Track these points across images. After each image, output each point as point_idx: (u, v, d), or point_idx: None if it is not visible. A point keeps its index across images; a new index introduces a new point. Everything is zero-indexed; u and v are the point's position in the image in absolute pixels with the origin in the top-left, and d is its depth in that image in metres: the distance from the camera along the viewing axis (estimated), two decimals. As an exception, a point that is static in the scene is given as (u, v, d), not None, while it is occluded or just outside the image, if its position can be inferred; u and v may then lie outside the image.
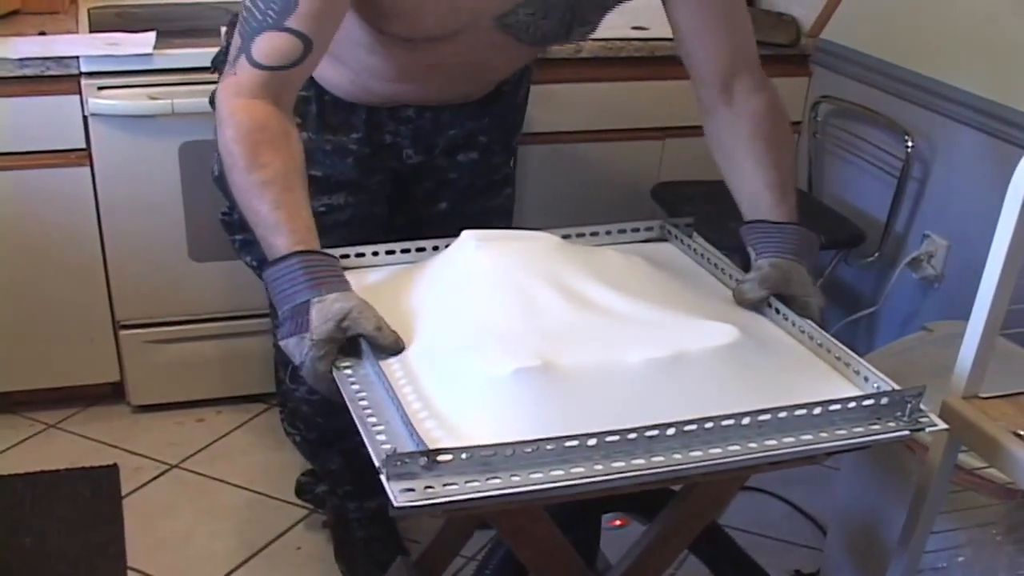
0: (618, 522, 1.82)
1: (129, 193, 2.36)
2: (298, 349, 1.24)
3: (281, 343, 1.27)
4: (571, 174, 2.63)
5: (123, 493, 2.33)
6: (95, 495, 2.31)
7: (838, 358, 1.30)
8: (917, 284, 2.34)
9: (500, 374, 1.14)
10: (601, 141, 2.62)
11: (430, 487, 1.04)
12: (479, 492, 1.04)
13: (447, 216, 1.88)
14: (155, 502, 2.32)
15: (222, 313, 2.55)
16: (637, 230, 1.66)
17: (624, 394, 1.16)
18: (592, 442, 1.09)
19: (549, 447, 1.07)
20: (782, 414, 1.15)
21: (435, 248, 1.52)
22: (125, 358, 2.55)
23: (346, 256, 1.50)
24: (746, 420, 1.13)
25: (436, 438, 1.11)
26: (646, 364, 1.18)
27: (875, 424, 1.18)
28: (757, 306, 1.39)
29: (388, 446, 1.08)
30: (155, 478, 2.40)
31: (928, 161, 2.30)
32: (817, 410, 1.16)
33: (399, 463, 1.04)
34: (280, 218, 1.30)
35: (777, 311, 1.39)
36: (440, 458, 1.05)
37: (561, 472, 1.08)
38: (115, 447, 2.49)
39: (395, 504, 1.02)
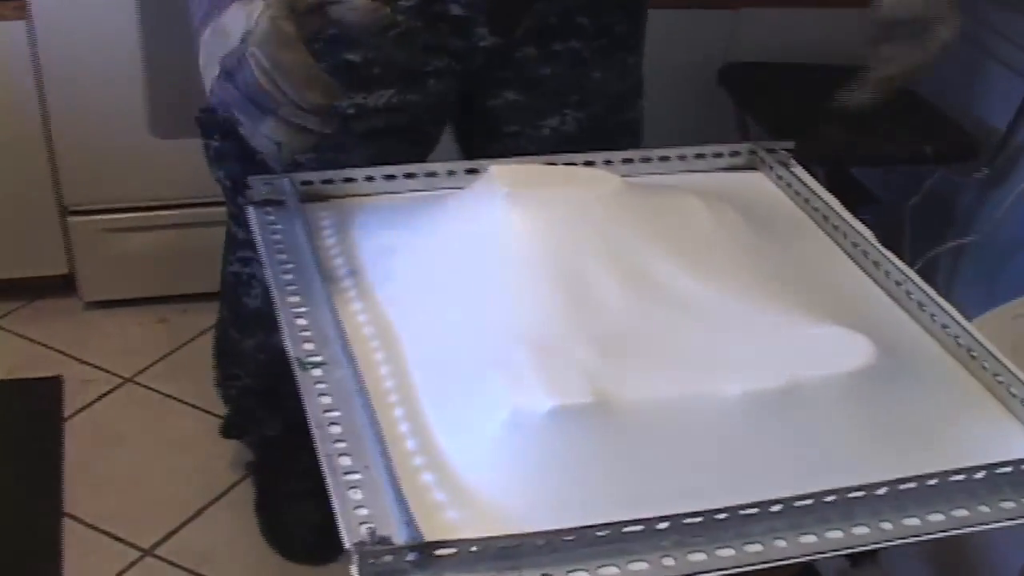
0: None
1: (76, 53, 2.09)
2: (238, 18, 0.98)
3: (207, 30, 1.00)
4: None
5: (65, 415, 2.10)
6: (31, 417, 2.09)
7: (998, 379, 0.99)
8: (1035, 212, 2.05)
9: (533, 410, 0.84)
10: (659, 8, 2.27)
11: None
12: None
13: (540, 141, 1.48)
14: (102, 428, 2.09)
15: (189, 198, 2.30)
16: (720, 155, 1.34)
17: (712, 447, 0.87)
18: (663, 525, 0.79)
19: (600, 534, 0.78)
20: (932, 481, 0.85)
21: (450, 173, 1.22)
22: (76, 248, 2.31)
23: (328, 181, 1.19)
24: (882, 491, 0.84)
25: (434, 504, 0.82)
26: (747, 400, 0.88)
27: (1056, 493, 0.89)
28: None
29: (367, 526, 0.79)
30: (104, 395, 2.16)
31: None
32: (980, 474, 0.86)
33: (376, 559, 0.75)
34: None
35: (910, 295, 1.09)
36: (439, 552, 0.76)
37: (616, 571, 0.79)
38: (61, 352, 2.26)
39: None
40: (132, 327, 2.35)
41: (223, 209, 1.99)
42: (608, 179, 1.12)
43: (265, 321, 1.60)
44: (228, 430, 1.94)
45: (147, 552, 1.84)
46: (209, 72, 1.05)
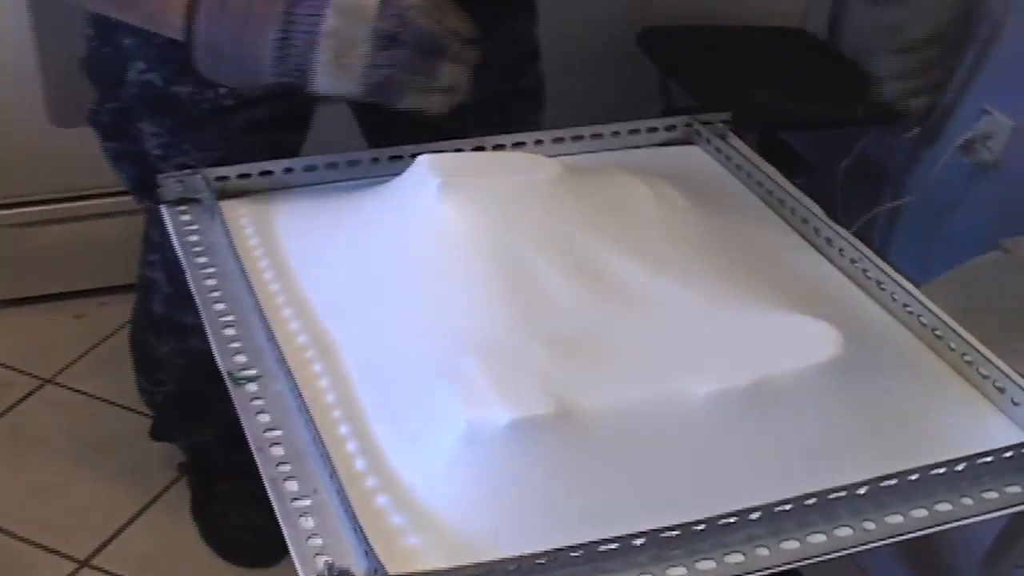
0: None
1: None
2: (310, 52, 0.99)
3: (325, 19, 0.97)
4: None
5: (-18, 422, 1.99)
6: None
7: (966, 359, 0.95)
8: (969, 171, 2.02)
9: (490, 424, 0.78)
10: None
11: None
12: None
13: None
14: (23, 433, 1.99)
15: (98, 188, 2.20)
16: (655, 130, 1.29)
17: (682, 453, 0.81)
18: (639, 542, 0.74)
19: (575, 555, 0.73)
20: (913, 477, 0.81)
21: (374, 161, 1.15)
22: (-22, 246, 2.20)
23: (245, 176, 1.12)
24: (863, 490, 0.79)
25: (392, 529, 0.76)
26: (715, 401, 0.82)
27: (1037, 479, 0.85)
28: None
29: (323, 558, 0.73)
30: (23, 398, 2.06)
31: (998, 19, 1.95)
32: (961, 466, 0.82)
33: (339, 598, 0.69)
34: None
35: (867, 274, 1.05)
36: (406, 585, 0.70)
37: (592, 593, 0.73)
38: (-29, 356, 2.14)
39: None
40: (47, 325, 2.25)
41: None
42: (546, 164, 1.07)
43: (173, 327, 1.53)
44: (157, 433, 1.86)
45: (84, 563, 1.75)
46: (353, 53, 1.00)
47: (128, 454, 1.95)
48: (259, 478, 1.74)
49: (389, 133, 1.36)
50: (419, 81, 1.02)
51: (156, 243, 1.47)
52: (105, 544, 1.78)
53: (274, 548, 1.67)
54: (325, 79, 1.02)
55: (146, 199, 1.39)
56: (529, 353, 0.85)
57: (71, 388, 2.09)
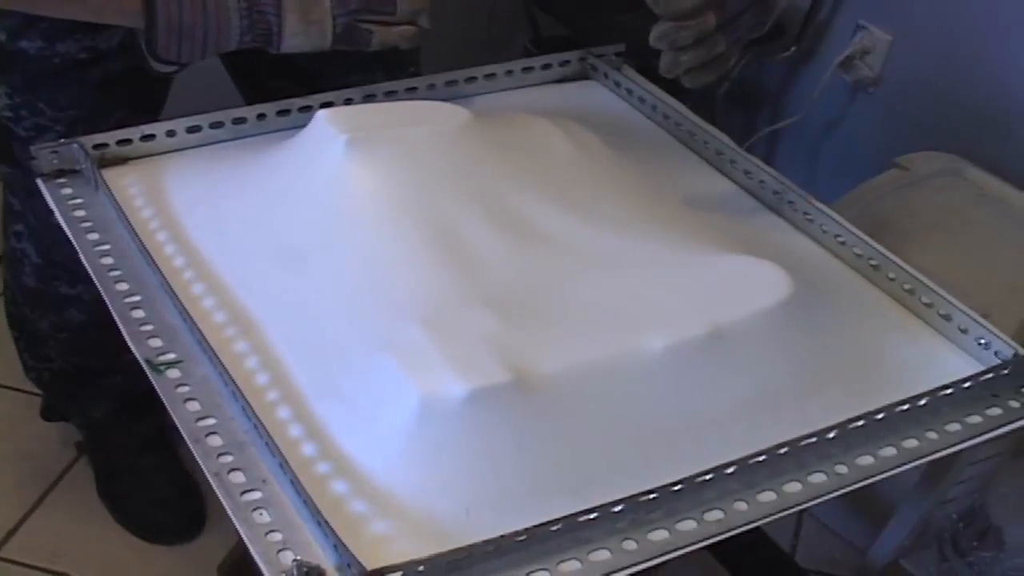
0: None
1: None
2: None
3: None
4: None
5: None
6: None
7: (906, 288, 0.94)
8: (848, 88, 2.01)
9: (445, 397, 0.74)
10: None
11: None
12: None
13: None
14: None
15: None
16: (548, 66, 1.26)
17: (644, 411, 0.78)
18: (618, 508, 0.71)
19: (554, 528, 0.69)
20: (879, 416, 0.79)
21: (260, 117, 1.09)
22: None
23: (126, 141, 1.05)
24: (833, 434, 0.77)
25: (354, 517, 0.72)
26: (671, 354, 0.80)
27: (994, 408, 0.85)
28: None
29: (289, 555, 0.67)
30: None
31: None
32: (923, 401, 0.81)
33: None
34: None
35: (793, 206, 1.04)
36: (384, 579, 0.65)
37: (578, 565, 0.70)
38: None
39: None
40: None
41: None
42: (453, 112, 1.02)
43: (49, 300, 1.44)
44: (48, 413, 1.75)
45: (-7, 556, 1.66)
46: (317, 9, 1.00)
47: (19, 438, 1.83)
48: (166, 452, 1.68)
49: (258, 74, 1.30)
50: (381, 19, 1.02)
51: (17, 212, 1.37)
52: (10, 535, 1.68)
53: (191, 522, 1.62)
54: (294, 39, 1.01)
55: (3, 165, 1.29)
56: (473, 317, 0.81)
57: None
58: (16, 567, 1.63)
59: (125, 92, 1.24)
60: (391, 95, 1.14)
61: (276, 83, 1.20)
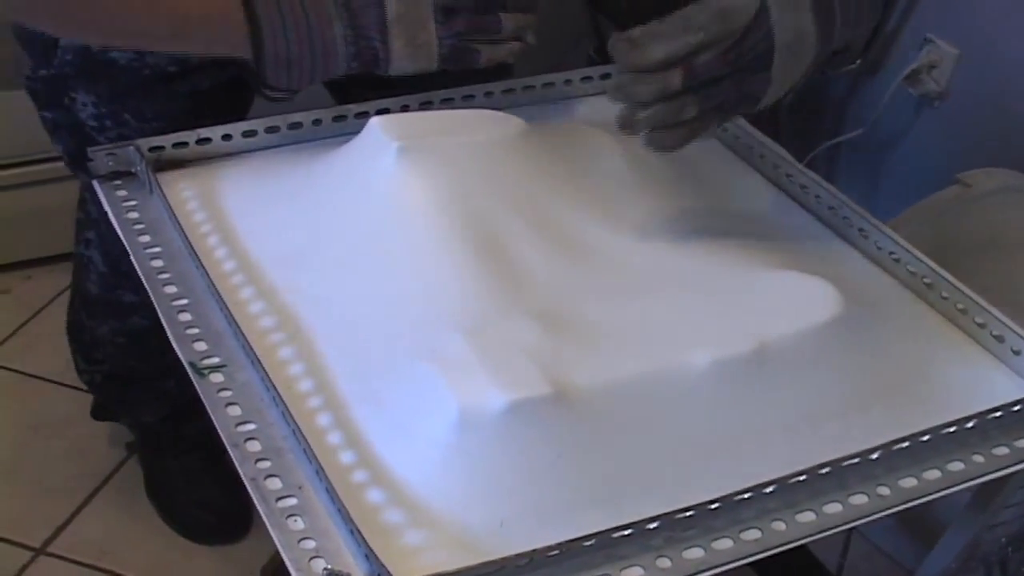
0: None
1: None
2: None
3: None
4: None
5: (-89, 411, 1.90)
6: None
7: (959, 308, 0.92)
8: (914, 103, 1.98)
9: (485, 409, 0.74)
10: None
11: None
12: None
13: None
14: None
15: (22, 156, 2.07)
16: (607, 76, 1.22)
17: (687, 427, 0.78)
18: (653, 525, 0.70)
19: (588, 544, 0.68)
20: (925, 438, 0.77)
21: (316, 122, 1.09)
22: None
23: (182, 144, 1.05)
24: (876, 455, 0.76)
25: (388, 527, 0.72)
26: (717, 370, 0.79)
27: (1045, 432, 0.83)
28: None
29: (320, 563, 0.67)
30: (-44, 382, 1.96)
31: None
32: (971, 423, 0.79)
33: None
34: None
35: (848, 222, 1.02)
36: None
37: (610, 582, 0.70)
38: None
39: None
40: (-28, 303, 2.14)
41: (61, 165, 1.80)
42: (507, 121, 1.02)
43: (111, 308, 1.46)
44: (98, 413, 1.78)
45: (40, 551, 1.67)
46: (423, 32, 1.01)
47: (71, 435, 1.85)
48: (214, 454, 1.69)
49: (349, 87, 1.30)
50: (487, 39, 1.03)
51: (92, 219, 1.38)
52: (59, 530, 1.70)
53: (237, 524, 1.64)
54: (401, 62, 1.01)
55: (82, 173, 1.30)
56: (516, 329, 0.80)
57: (5, 367, 1.98)
58: (64, 563, 1.65)
59: (210, 105, 1.25)
60: (448, 102, 1.14)
61: (362, 92, 1.20)
